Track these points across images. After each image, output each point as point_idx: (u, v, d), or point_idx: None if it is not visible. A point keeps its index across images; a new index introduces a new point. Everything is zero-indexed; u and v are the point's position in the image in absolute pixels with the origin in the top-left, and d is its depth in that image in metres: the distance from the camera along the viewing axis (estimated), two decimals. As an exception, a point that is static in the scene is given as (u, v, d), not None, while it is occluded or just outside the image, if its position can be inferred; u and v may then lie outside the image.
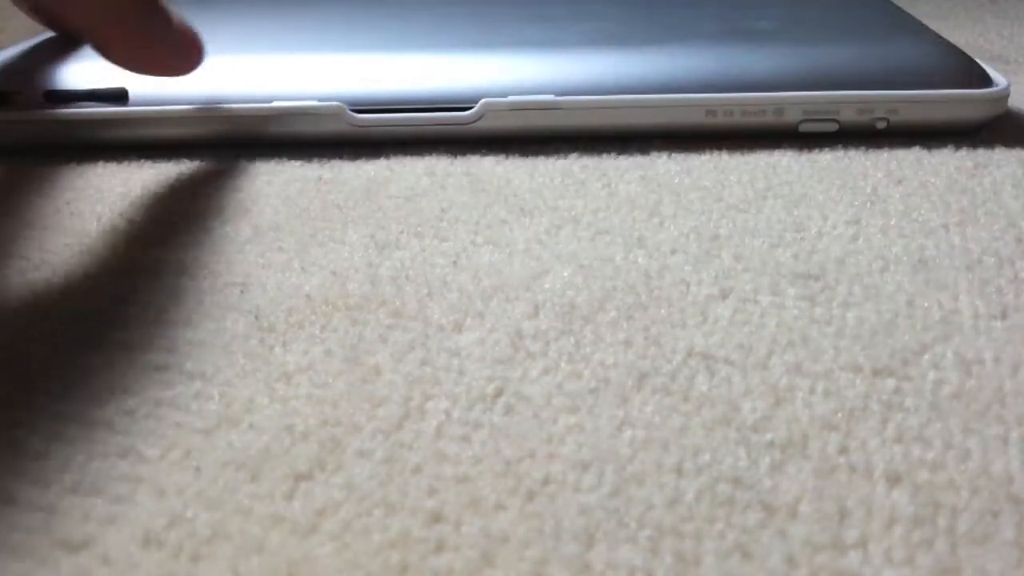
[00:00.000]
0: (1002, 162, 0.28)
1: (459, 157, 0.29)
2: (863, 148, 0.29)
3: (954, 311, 0.21)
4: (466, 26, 0.33)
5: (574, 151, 0.29)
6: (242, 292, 0.22)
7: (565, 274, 0.23)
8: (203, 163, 0.29)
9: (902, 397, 0.18)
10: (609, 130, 0.30)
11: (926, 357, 0.20)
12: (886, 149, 0.29)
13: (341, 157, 0.29)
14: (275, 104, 0.29)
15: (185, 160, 0.29)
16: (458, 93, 0.29)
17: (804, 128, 0.29)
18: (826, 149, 0.29)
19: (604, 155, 0.29)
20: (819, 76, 0.29)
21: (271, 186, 0.28)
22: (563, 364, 0.20)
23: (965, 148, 0.29)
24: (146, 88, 0.29)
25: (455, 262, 0.24)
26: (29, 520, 0.16)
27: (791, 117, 0.29)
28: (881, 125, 0.29)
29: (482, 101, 0.29)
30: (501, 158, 0.29)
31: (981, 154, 0.29)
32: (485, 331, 0.21)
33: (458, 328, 0.21)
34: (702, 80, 0.29)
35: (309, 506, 0.16)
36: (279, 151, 0.30)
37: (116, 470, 0.17)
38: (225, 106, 0.29)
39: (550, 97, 0.29)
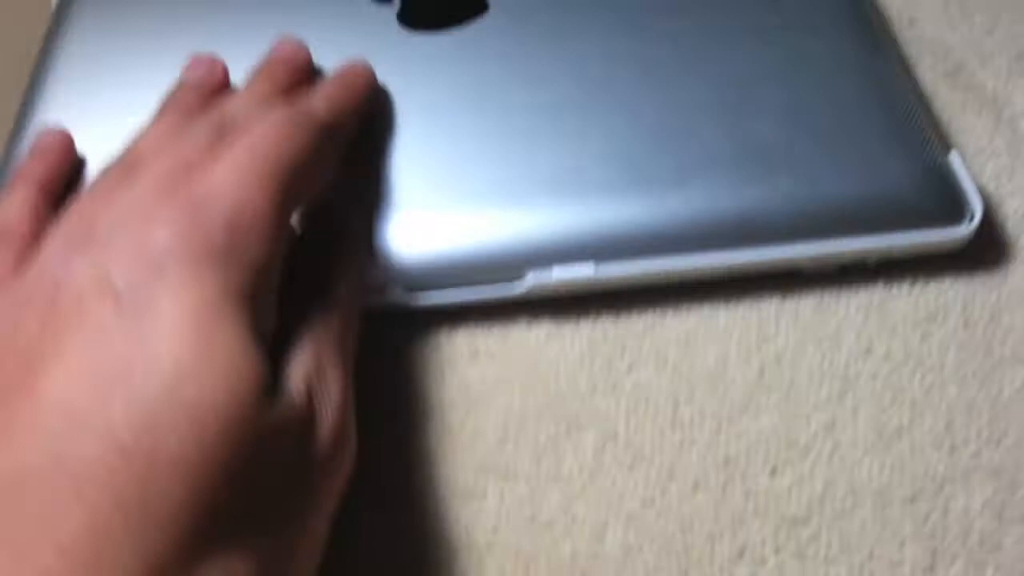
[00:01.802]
0: (950, 309, 0.34)
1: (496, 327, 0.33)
2: (835, 292, 0.34)
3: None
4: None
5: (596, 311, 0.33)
6: None
7: (624, 536, 0.29)
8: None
9: None
10: (650, 285, 0.33)
11: (879, 636, 0.29)
12: (854, 292, 0.34)
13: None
14: None
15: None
16: (502, 262, 0.32)
17: (807, 271, 0.33)
18: (805, 295, 0.34)
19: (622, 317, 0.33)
20: (823, 222, 0.32)
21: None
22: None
23: (920, 285, 0.34)
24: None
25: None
26: None
27: (803, 265, 0.33)
28: (872, 264, 0.33)
29: (530, 276, 0.31)
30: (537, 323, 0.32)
31: (932, 300, 0.34)
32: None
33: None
34: (726, 231, 0.32)
35: None
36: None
37: None
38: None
39: (591, 272, 0.32)
